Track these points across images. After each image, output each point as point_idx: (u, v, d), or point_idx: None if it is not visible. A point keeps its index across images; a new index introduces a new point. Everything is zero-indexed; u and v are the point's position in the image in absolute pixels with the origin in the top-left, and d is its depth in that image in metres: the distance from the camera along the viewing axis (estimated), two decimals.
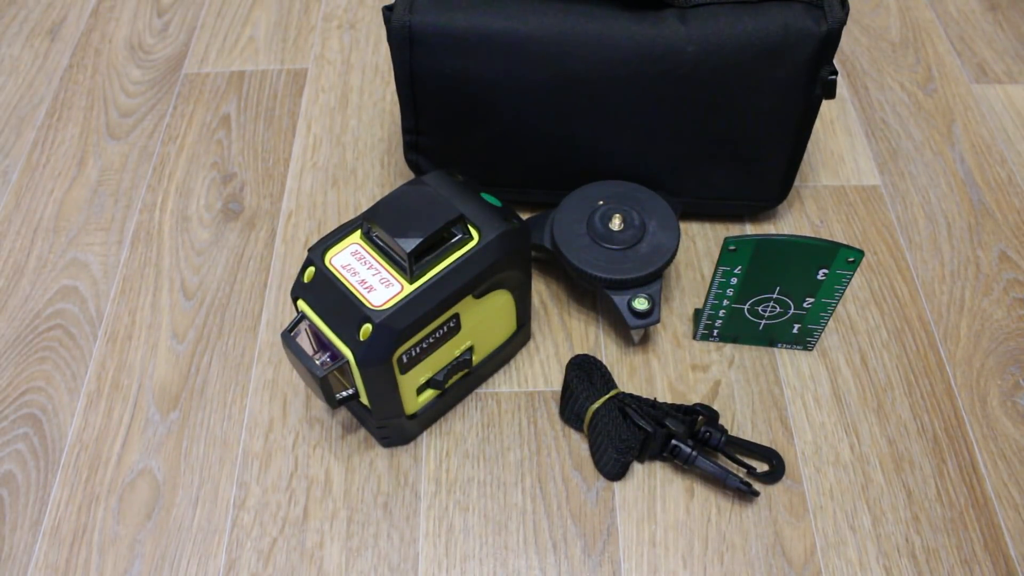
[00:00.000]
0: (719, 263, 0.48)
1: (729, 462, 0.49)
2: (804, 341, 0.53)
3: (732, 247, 0.47)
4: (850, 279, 0.48)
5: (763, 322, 0.52)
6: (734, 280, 0.49)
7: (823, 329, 0.52)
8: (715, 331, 0.53)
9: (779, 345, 0.54)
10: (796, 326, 0.52)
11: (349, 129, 0.67)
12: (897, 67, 0.72)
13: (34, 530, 0.48)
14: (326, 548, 0.47)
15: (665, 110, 0.53)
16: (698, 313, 0.53)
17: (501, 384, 0.53)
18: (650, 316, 0.51)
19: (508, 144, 0.56)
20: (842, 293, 0.49)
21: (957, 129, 0.67)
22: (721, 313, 0.52)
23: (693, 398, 0.52)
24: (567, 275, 0.57)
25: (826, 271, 0.47)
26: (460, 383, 0.50)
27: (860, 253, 0.46)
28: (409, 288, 0.43)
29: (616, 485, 0.48)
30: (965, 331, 0.55)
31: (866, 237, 0.60)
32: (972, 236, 0.60)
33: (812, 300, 0.50)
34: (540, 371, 0.53)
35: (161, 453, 0.50)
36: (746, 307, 0.51)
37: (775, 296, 0.50)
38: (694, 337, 0.54)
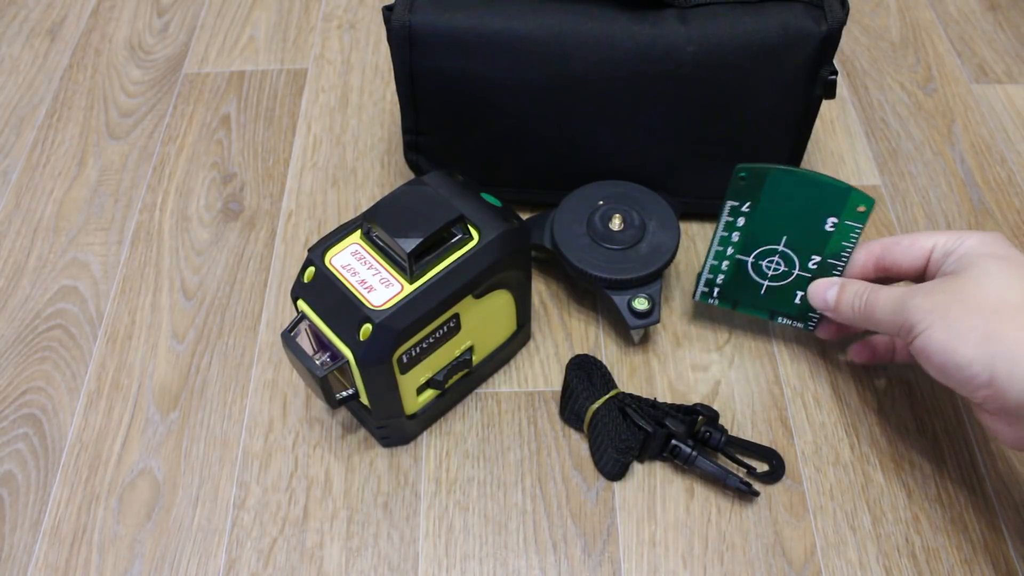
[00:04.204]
0: (727, 197, 0.47)
1: (729, 462, 0.49)
2: (806, 316, 0.51)
3: (743, 175, 0.45)
4: (859, 236, 0.46)
5: (766, 283, 0.50)
6: (741, 221, 0.48)
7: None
8: (716, 289, 0.52)
9: (779, 319, 0.52)
10: (799, 294, 0.50)
11: (349, 129, 0.67)
12: (897, 67, 0.72)
13: (34, 530, 0.48)
14: (326, 548, 0.47)
15: (665, 110, 0.53)
16: (701, 269, 0.52)
17: (501, 384, 0.53)
18: (650, 316, 0.51)
19: (508, 144, 0.56)
20: (849, 255, 0.47)
21: (957, 129, 0.67)
22: (724, 266, 0.50)
23: (693, 398, 0.52)
24: (567, 275, 0.57)
25: (835, 220, 0.46)
26: (460, 383, 0.50)
27: (871, 202, 0.45)
28: (409, 288, 0.43)
29: (616, 485, 0.49)
30: None
31: (866, 237, 0.60)
32: None
33: (819, 259, 0.48)
34: (540, 371, 0.53)
35: (161, 453, 0.50)
36: (750, 260, 0.50)
37: (780, 248, 0.49)
38: (693, 296, 0.53)
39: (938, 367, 0.41)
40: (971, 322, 0.39)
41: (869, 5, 0.77)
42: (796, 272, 0.50)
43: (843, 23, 0.49)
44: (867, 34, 0.74)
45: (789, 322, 0.52)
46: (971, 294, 0.40)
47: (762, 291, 0.51)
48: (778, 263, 0.49)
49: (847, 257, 0.48)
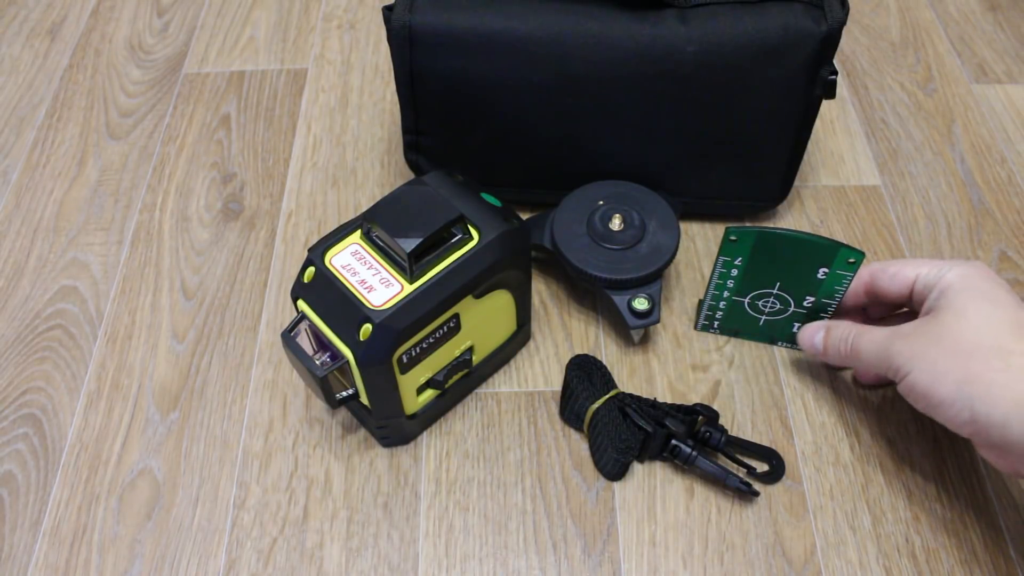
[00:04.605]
0: (720, 253, 0.48)
1: (729, 462, 0.49)
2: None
3: (733, 237, 0.47)
4: (851, 280, 0.48)
5: (763, 318, 0.52)
6: (735, 272, 0.49)
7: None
8: (716, 323, 0.53)
9: (779, 343, 0.54)
10: (796, 325, 0.52)
11: (349, 129, 0.67)
12: (897, 67, 0.72)
13: (34, 530, 0.48)
14: (326, 548, 0.47)
15: (665, 110, 0.53)
16: (700, 304, 0.53)
17: (501, 384, 0.53)
18: (650, 316, 0.51)
19: (508, 144, 0.56)
20: (842, 295, 0.49)
21: (957, 129, 0.67)
22: (722, 304, 0.52)
23: (693, 398, 0.52)
24: (567, 275, 0.57)
25: (826, 270, 0.47)
26: (460, 383, 0.50)
27: (861, 255, 0.46)
28: (409, 288, 0.43)
29: (616, 485, 0.49)
30: None
31: (866, 237, 0.60)
32: (972, 236, 0.60)
33: (812, 299, 0.50)
34: (540, 371, 0.53)
35: (161, 453, 0.50)
36: (746, 300, 0.51)
37: (775, 292, 0.50)
38: (695, 327, 0.54)
39: (923, 408, 0.43)
40: (948, 365, 0.41)
41: (869, 5, 0.77)
42: (792, 309, 0.51)
43: (843, 23, 0.49)
44: (867, 34, 0.74)
45: (790, 346, 0.54)
46: (947, 337, 0.41)
47: (760, 323, 0.53)
48: (774, 302, 0.51)
49: (840, 296, 0.49)
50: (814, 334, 0.49)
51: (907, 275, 0.46)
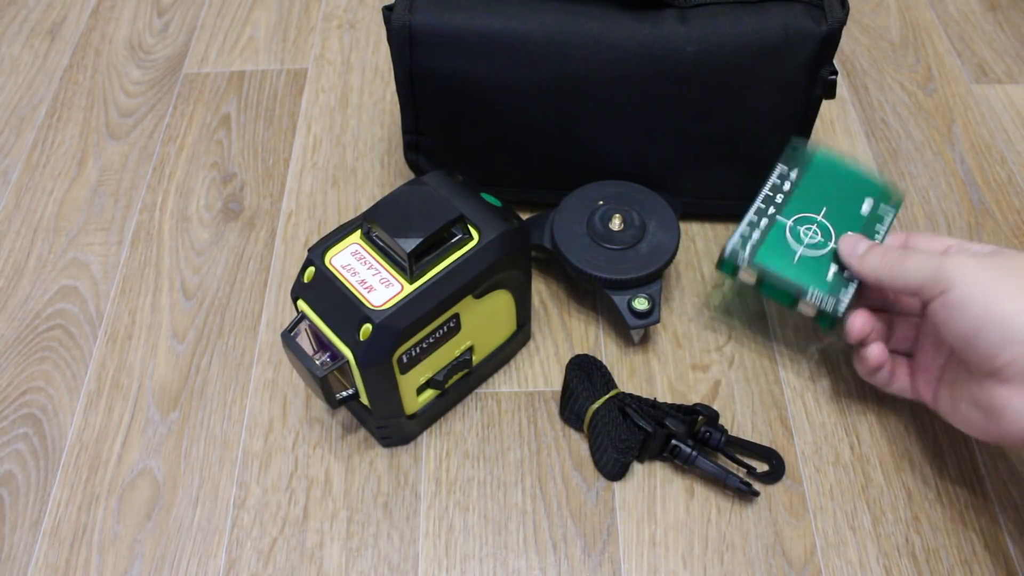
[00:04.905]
0: (779, 161, 0.51)
1: (729, 462, 0.49)
2: (834, 301, 0.48)
3: (795, 148, 0.50)
4: (892, 219, 0.50)
5: (800, 251, 0.49)
6: (786, 185, 0.51)
7: (852, 294, 0.48)
8: (747, 248, 0.50)
9: (806, 296, 0.49)
10: (832, 270, 0.49)
11: (349, 129, 0.67)
12: (897, 67, 0.72)
13: (34, 530, 0.48)
14: (326, 548, 0.47)
15: (665, 110, 0.53)
16: (723, 249, 0.50)
17: (501, 384, 0.53)
18: (650, 316, 0.51)
19: (508, 144, 0.56)
20: (882, 236, 0.49)
21: (957, 129, 0.67)
22: (763, 223, 0.50)
23: (693, 398, 0.52)
24: (567, 275, 0.57)
25: (872, 201, 0.49)
26: (460, 383, 0.50)
27: (901, 195, 0.50)
28: (409, 288, 0.43)
29: (616, 485, 0.49)
30: None
31: None
32: (972, 236, 0.60)
33: None
34: (540, 371, 0.53)
35: (161, 453, 0.50)
36: (789, 223, 0.50)
37: (820, 219, 0.50)
38: (718, 263, 0.50)
39: (963, 328, 0.41)
40: (1018, 282, 0.40)
41: (869, 5, 0.77)
42: (831, 245, 0.49)
43: (843, 23, 0.49)
44: (867, 34, 0.74)
45: (818, 300, 0.48)
46: (1012, 262, 0.41)
47: (795, 258, 0.49)
48: (815, 233, 0.50)
49: (880, 238, 0.49)
50: (858, 241, 0.48)
51: (943, 240, 0.46)
